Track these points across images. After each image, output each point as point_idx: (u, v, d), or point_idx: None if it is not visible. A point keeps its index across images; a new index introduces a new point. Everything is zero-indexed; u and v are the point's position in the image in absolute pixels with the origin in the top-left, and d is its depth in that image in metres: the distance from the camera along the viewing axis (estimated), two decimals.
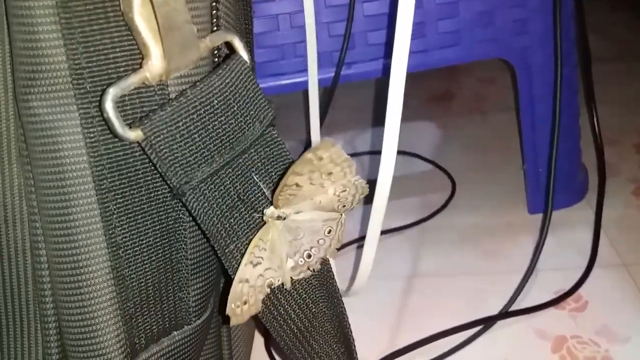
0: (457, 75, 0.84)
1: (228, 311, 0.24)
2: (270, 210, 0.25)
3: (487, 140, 0.68)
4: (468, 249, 0.51)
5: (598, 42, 0.79)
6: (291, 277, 0.26)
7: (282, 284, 0.26)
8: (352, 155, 0.67)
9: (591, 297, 0.45)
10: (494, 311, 0.44)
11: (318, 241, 0.26)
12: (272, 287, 0.25)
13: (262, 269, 0.25)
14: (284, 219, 0.25)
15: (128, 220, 0.23)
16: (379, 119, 0.72)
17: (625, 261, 0.48)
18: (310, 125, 0.48)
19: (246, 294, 0.24)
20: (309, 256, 0.26)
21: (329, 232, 0.27)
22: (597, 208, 0.51)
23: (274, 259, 0.25)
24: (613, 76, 0.75)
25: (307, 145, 0.63)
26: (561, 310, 0.44)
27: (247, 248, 0.25)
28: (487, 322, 0.42)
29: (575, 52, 0.52)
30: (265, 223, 0.25)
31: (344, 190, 0.26)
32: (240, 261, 0.24)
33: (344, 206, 0.27)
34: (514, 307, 0.44)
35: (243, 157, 0.24)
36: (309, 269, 0.26)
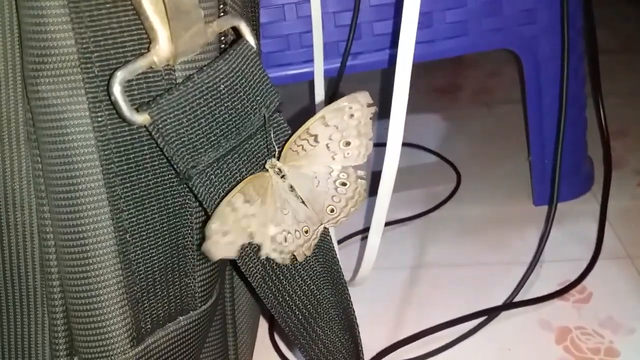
0: (463, 67, 0.84)
1: (207, 229, 0.22)
2: (273, 161, 0.24)
3: (493, 132, 0.68)
4: (473, 240, 0.51)
5: (605, 34, 0.78)
6: (270, 253, 0.24)
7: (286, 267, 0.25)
8: None
9: (596, 289, 0.45)
10: (498, 302, 0.44)
11: (295, 231, 0.25)
12: (252, 241, 0.24)
13: (251, 211, 0.23)
14: (282, 177, 0.24)
15: (135, 204, 0.23)
16: (384, 112, 0.72)
17: (630, 253, 0.48)
18: None
19: (229, 224, 0.22)
20: (285, 239, 0.25)
21: (306, 232, 0.25)
22: (602, 200, 0.51)
23: (261, 214, 0.24)
24: (620, 68, 0.75)
25: None
26: (565, 301, 0.44)
27: None
28: (491, 313, 0.42)
29: (582, 43, 0.51)
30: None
31: (345, 184, 0.25)
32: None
33: (332, 210, 0.26)
34: (518, 298, 0.44)
35: (249, 142, 0.25)
36: (283, 252, 0.25)
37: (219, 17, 0.24)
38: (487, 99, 0.75)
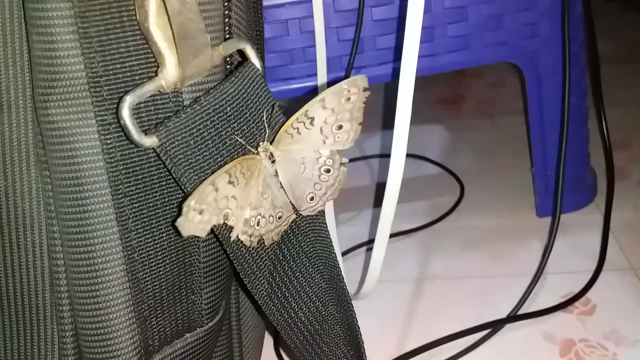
0: (466, 78, 0.84)
1: (185, 204, 0.22)
2: (266, 144, 0.24)
3: (496, 143, 0.68)
4: (476, 252, 0.51)
5: (607, 43, 0.79)
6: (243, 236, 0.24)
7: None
8: (361, 158, 0.67)
9: (599, 301, 0.45)
10: (503, 314, 0.44)
11: (270, 216, 0.25)
12: (226, 220, 0.23)
13: (232, 192, 0.23)
14: (273, 161, 0.25)
15: (143, 224, 0.24)
16: (388, 123, 0.73)
17: (633, 265, 0.48)
18: None
19: (208, 203, 0.22)
20: (258, 223, 0.24)
21: (279, 218, 0.25)
22: (605, 211, 0.51)
23: (241, 196, 0.23)
24: (622, 77, 0.75)
25: None
26: (569, 313, 0.44)
27: (258, 253, 0.25)
28: (495, 326, 0.43)
29: (584, 55, 0.52)
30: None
31: (329, 170, 0.26)
32: (253, 264, 0.25)
33: (312, 199, 0.26)
34: (522, 311, 0.44)
35: None
36: (252, 235, 0.24)
37: (225, 40, 0.24)
38: (490, 109, 0.76)
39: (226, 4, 0.25)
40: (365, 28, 0.47)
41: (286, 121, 0.25)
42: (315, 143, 0.25)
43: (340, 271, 0.28)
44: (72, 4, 0.21)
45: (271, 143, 0.25)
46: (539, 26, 0.48)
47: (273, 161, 0.25)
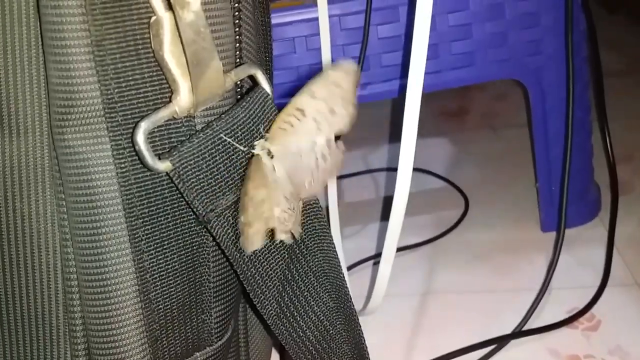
0: (469, 92, 0.85)
1: (239, 224, 0.23)
2: (263, 143, 0.24)
3: (500, 157, 0.68)
4: (482, 267, 0.51)
5: (610, 56, 0.79)
6: None
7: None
8: (366, 172, 0.68)
9: (604, 316, 0.45)
10: (508, 329, 0.44)
11: (288, 209, 0.24)
12: (268, 226, 0.24)
13: (261, 196, 0.23)
14: (272, 157, 0.24)
15: (155, 245, 0.24)
16: (394, 136, 0.73)
17: (638, 280, 0.48)
18: None
19: (250, 214, 0.23)
20: (285, 219, 0.24)
21: (293, 209, 0.25)
22: (610, 226, 0.51)
23: (267, 197, 0.24)
24: (625, 90, 0.75)
25: None
26: (574, 329, 0.44)
27: (268, 273, 0.26)
28: (500, 342, 0.43)
29: (588, 71, 0.52)
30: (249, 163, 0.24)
31: (325, 157, 0.25)
32: (262, 285, 0.25)
33: (310, 184, 0.25)
34: (527, 326, 0.44)
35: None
36: (286, 231, 0.25)
37: (236, 66, 0.25)
38: (494, 122, 0.76)
39: (237, 29, 0.25)
40: (371, 46, 0.48)
41: (274, 107, 0.25)
42: (309, 132, 0.25)
43: (348, 290, 0.29)
44: (89, 33, 0.21)
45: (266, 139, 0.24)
46: (542, 43, 0.49)
47: (272, 157, 0.24)
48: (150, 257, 0.24)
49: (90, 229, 0.23)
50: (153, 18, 0.22)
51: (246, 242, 0.23)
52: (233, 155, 0.24)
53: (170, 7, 0.21)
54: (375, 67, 0.49)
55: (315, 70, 0.48)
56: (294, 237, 0.25)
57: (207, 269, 0.26)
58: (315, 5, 0.46)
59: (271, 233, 0.25)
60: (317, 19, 0.46)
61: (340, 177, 0.65)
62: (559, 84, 0.50)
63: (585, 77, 0.52)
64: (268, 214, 0.24)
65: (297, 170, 0.25)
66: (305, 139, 0.25)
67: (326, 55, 0.47)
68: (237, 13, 0.25)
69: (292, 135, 0.25)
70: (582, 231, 0.54)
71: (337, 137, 0.26)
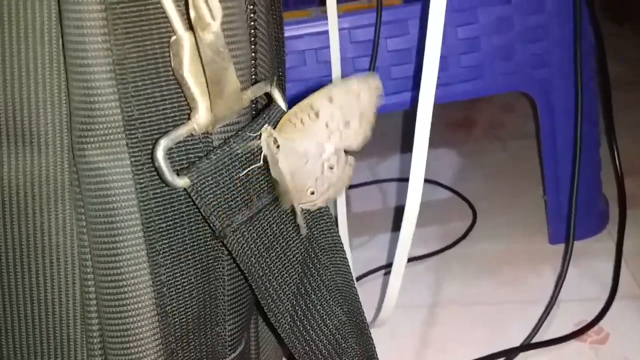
0: (476, 102, 0.85)
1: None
2: (269, 129, 0.24)
3: (507, 168, 0.69)
4: (490, 279, 0.52)
5: (618, 68, 0.79)
6: None
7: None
8: (374, 182, 0.68)
9: (612, 329, 0.45)
10: (516, 341, 0.44)
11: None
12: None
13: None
14: (277, 147, 0.24)
15: (172, 259, 0.25)
16: (406, 146, 0.73)
17: None
18: None
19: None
20: None
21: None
22: (618, 239, 0.51)
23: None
24: (633, 102, 0.75)
25: None
26: (582, 342, 0.44)
27: (282, 287, 0.26)
28: (509, 354, 0.43)
29: (595, 83, 0.52)
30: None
31: (332, 168, 0.25)
32: (276, 298, 0.26)
33: (312, 193, 0.25)
34: (535, 338, 0.44)
35: (279, 199, 0.26)
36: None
37: (252, 84, 0.25)
38: (501, 133, 0.77)
39: (253, 47, 0.26)
40: (380, 58, 0.48)
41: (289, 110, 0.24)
42: (319, 136, 0.24)
43: (360, 304, 0.29)
44: (111, 52, 0.22)
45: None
46: (550, 56, 0.49)
47: (278, 147, 0.24)
48: (167, 270, 0.24)
49: (109, 242, 0.24)
50: (173, 38, 0.22)
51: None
52: (249, 171, 0.24)
53: (190, 27, 0.22)
54: (384, 79, 0.49)
55: (325, 83, 0.49)
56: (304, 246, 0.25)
57: (221, 282, 0.26)
58: (325, 17, 0.47)
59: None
60: (327, 32, 0.47)
61: (348, 188, 0.65)
62: (567, 96, 0.50)
63: (593, 90, 0.52)
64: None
65: (300, 173, 0.25)
66: (314, 142, 0.24)
67: (336, 67, 0.47)
68: (252, 31, 0.26)
69: (301, 133, 0.24)
70: (590, 244, 0.54)
71: (346, 152, 0.26)
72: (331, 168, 0.25)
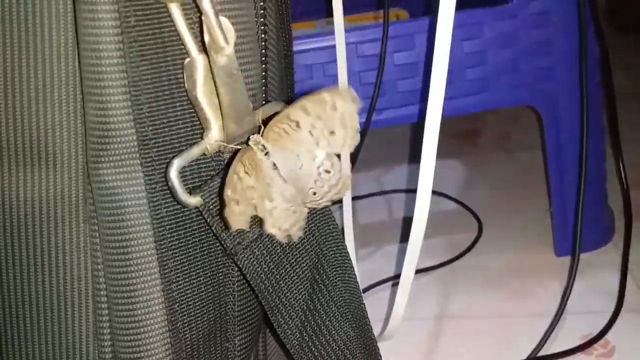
0: (482, 113, 0.85)
1: (224, 196, 0.22)
2: (257, 137, 0.24)
3: (513, 179, 0.69)
4: (496, 291, 0.52)
5: (622, 78, 0.80)
6: None
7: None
8: (380, 193, 0.69)
9: (618, 342, 0.45)
10: (522, 355, 0.44)
11: (286, 210, 0.24)
12: (256, 211, 0.24)
13: (251, 182, 0.23)
14: (266, 154, 0.24)
15: (184, 276, 0.25)
16: (414, 156, 0.74)
17: None
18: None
19: (239, 193, 0.23)
20: (279, 217, 0.24)
21: (294, 212, 0.24)
22: (623, 252, 0.51)
23: (258, 187, 0.24)
24: (638, 113, 0.76)
25: None
26: (589, 355, 0.44)
27: (291, 303, 0.26)
28: None
29: (601, 97, 0.53)
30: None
31: (328, 171, 0.25)
32: (286, 314, 0.26)
33: (315, 193, 0.25)
34: (542, 352, 0.44)
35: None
36: (281, 228, 0.24)
37: (263, 103, 0.26)
38: (507, 144, 0.77)
39: (264, 66, 0.26)
40: (387, 72, 0.49)
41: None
42: (307, 143, 0.25)
43: (369, 320, 0.29)
44: (126, 74, 0.22)
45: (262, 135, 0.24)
46: (556, 70, 0.50)
47: (266, 153, 0.24)
48: (178, 287, 0.25)
49: (122, 260, 0.24)
50: (187, 60, 0.23)
51: (230, 217, 0.22)
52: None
53: (203, 49, 0.22)
54: (391, 92, 0.49)
55: None
56: (290, 238, 0.25)
57: (231, 299, 0.27)
58: (332, 31, 0.47)
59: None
60: (334, 46, 0.47)
61: (354, 198, 0.66)
62: (572, 110, 0.50)
63: (599, 104, 0.52)
64: (256, 202, 0.23)
65: (297, 174, 0.25)
66: (303, 149, 0.25)
67: (343, 81, 0.48)
68: (264, 50, 0.26)
69: (287, 141, 0.24)
70: (595, 256, 0.54)
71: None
72: (327, 171, 0.25)
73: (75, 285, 0.25)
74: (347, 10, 0.47)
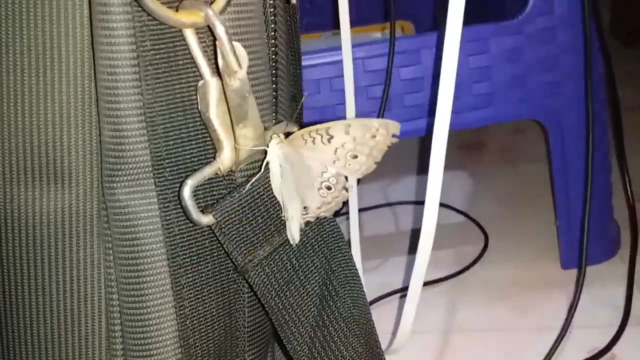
0: (488, 125, 0.86)
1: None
2: (281, 138, 0.24)
3: (519, 191, 0.69)
4: (502, 304, 0.52)
5: (628, 91, 0.80)
6: None
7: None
8: (386, 205, 0.69)
9: (625, 356, 0.45)
10: None
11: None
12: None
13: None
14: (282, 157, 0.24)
15: (195, 292, 0.25)
16: (422, 168, 0.74)
17: None
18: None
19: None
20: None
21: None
22: (629, 265, 0.51)
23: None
24: None
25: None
26: None
27: (300, 319, 0.27)
28: None
29: (607, 111, 0.53)
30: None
31: (330, 188, 0.26)
32: (295, 330, 0.26)
33: (305, 208, 0.26)
34: None
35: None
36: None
37: (275, 123, 0.26)
38: (512, 156, 0.77)
39: (274, 86, 0.27)
40: (393, 87, 0.49)
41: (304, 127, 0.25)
42: (325, 159, 0.25)
43: (377, 336, 0.30)
44: (142, 96, 0.23)
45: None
46: (562, 85, 0.50)
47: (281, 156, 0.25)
48: (190, 303, 0.25)
49: (135, 277, 0.24)
50: (200, 82, 0.23)
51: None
52: (270, 208, 0.25)
53: (216, 72, 0.23)
54: (397, 107, 0.50)
55: (338, 111, 0.50)
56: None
57: (242, 315, 0.27)
58: (338, 44, 0.48)
59: None
60: (341, 61, 0.48)
61: (361, 210, 0.66)
62: (578, 124, 0.51)
63: (605, 118, 0.53)
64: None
65: (301, 184, 0.25)
66: (319, 161, 0.25)
67: (349, 96, 0.48)
68: (274, 71, 0.27)
69: (309, 151, 0.25)
70: (601, 269, 0.54)
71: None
72: (328, 189, 0.26)
73: (88, 300, 0.26)
74: (354, 23, 0.48)
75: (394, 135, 0.25)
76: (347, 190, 0.26)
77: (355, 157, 0.25)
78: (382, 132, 0.25)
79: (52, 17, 0.23)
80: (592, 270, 0.53)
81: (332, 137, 0.25)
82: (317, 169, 0.26)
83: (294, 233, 0.25)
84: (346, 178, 0.26)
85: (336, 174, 0.26)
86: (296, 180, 0.25)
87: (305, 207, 0.26)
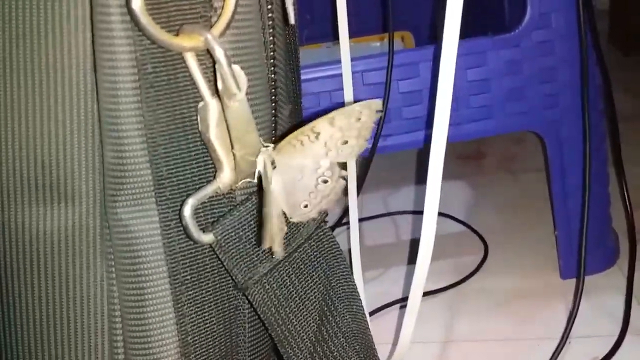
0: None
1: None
2: (270, 150, 0.24)
3: (518, 201, 0.69)
4: (502, 314, 0.52)
5: (625, 100, 0.80)
6: None
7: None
8: (387, 215, 0.69)
9: None
10: None
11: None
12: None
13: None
14: (274, 168, 0.25)
15: (196, 309, 0.26)
16: (413, 179, 0.75)
17: None
18: (348, 192, 0.51)
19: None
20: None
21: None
22: (628, 274, 0.52)
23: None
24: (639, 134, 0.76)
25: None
26: None
27: (300, 335, 0.27)
28: None
29: (604, 122, 0.53)
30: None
31: (326, 181, 0.26)
32: (295, 346, 0.27)
33: (306, 206, 0.26)
34: None
35: (298, 251, 0.27)
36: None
37: (273, 142, 0.26)
38: (512, 166, 0.77)
39: (273, 104, 0.27)
40: (392, 99, 0.50)
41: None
42: (316, 154, 0.25)
43: (376, 351, 0.30)
44: (143, 117, 0.23)
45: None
46: (560, 97, 0.51)
47: (274, 167, 0.25)
48: (191, 320, 0.26)
49: (137, 294, 0.25)
50: (201, 103, 0.24)
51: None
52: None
53: (216, 93, 0.24)
54: (396, 119, 0.50)
55: None
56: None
57: (242, 331, 0.27)
58: (337, 58, 0.48)
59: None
60: (340, 75, 0.48)
61: (361, 220, 0.67)
62: (576, 135, 0.51)
63: (602, 129, 0.53)
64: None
65: (295, 189, 0.26)
66: (311, 160, 0.25)
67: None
68: (273, 90, 0.27)
69: (299, 153, 0.25)
70: (600, 279, 0.55)
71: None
72: (325, 182, 0.26)
73: (91, 316, 0.26)
74: (353, 34, 0.48)
75: (378, 111, 0.25)
76: (344, 178, 0.26)
77: (346, 142, 0.25)
78: (366, 112, 0.25)
79: (56, 41, 0.24)
80: (591, 279, 0.53)
81: (318, 133, 0.25)
82: (311, 167, 0.26)
83: (277, 247, 0.25)
84: (342, 167, 0.26)
85: (330, 166, 0.26)
86: (290, 186, 0.25)
87: (306, 206, 0.26)
